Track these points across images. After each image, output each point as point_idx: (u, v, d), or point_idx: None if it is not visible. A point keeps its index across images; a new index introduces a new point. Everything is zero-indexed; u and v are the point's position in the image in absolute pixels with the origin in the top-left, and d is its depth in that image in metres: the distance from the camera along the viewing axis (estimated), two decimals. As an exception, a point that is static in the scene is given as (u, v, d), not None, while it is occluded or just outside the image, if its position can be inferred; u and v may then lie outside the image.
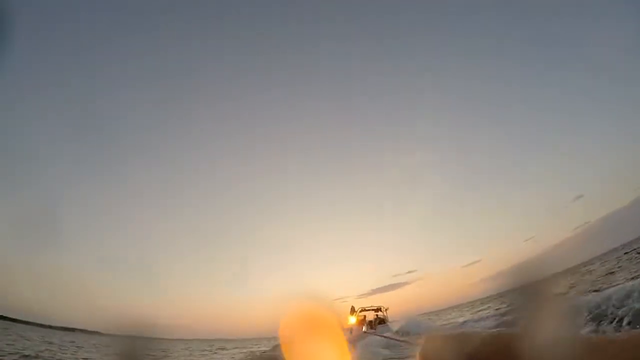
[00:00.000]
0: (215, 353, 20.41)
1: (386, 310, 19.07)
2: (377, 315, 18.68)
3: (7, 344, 13.74)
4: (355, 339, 11.96)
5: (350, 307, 19.33)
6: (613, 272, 11.84)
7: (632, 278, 9.42)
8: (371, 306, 19.55)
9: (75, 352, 14.53)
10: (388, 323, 17.71)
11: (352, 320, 17.92)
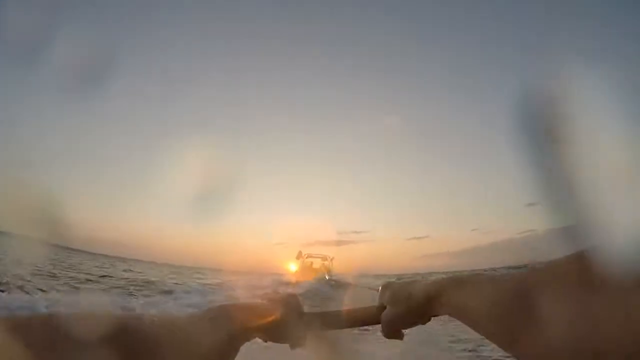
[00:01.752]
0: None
1: (332, 260, 18.52)
2: (323, 264, 18.11)
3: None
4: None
5: (297, 252, 18.59)
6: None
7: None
8: (318, 254, 18.91)
9: None
10: (332, 276, 17.16)
11: (293, 267, 17.24)
